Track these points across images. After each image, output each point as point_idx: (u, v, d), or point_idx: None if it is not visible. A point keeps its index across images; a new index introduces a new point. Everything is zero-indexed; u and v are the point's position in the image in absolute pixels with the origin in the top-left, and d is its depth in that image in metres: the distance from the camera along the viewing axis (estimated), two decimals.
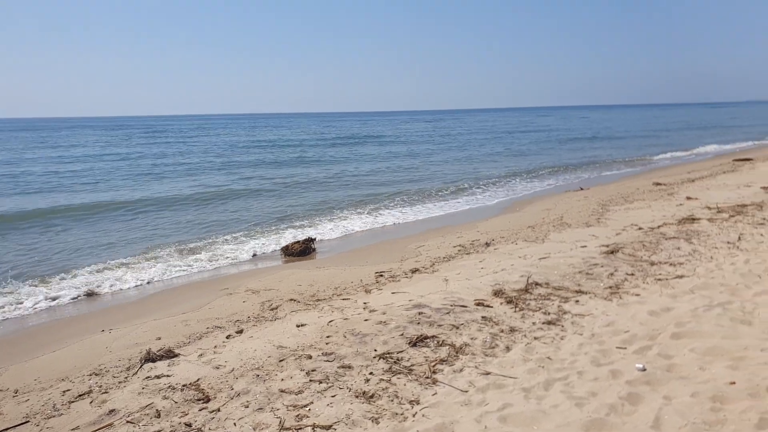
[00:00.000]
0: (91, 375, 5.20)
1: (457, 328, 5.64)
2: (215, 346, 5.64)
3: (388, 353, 5.10)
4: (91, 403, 4.56)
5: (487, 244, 9.60)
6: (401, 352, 5.13)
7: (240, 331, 6.14)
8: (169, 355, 5.36)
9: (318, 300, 7.11)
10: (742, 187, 13.96)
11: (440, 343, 5.29)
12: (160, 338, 6.14)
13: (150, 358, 5.25)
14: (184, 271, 9.40)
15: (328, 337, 5.54)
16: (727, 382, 3.98)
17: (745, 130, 48.20)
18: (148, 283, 8.84)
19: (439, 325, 5.69)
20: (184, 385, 4.69)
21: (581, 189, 16.11)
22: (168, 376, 4.91)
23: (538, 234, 10.06)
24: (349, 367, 4.86)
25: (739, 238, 8.71)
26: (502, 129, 64.47)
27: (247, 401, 4.35)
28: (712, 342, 4.79)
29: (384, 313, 6.09)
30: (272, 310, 6.90)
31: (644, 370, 4.38)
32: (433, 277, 7.71)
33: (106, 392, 4.75)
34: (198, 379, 4.80)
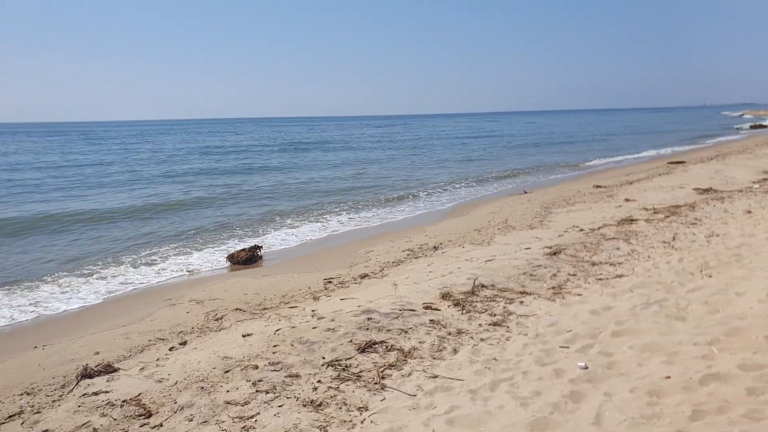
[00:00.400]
0: (22, 394, 4.94)
1: (406, 332, 5.66)
2: (158, 359, 5.46)
3: (337, 360, 5.06)
4: (22, 424, 4.33)
5: (436, 248, 9.69)
6: (350, 358, 5.10)
7: (183, 343, 5.96)
8: (108, 370, 5.15)
9: (265, 309, 6.99)
10: (676, 189, 14.60)
11: (389, 348, 5.29)
12: (98, 353, 5.90)
13: (87, 374, 5.02)
14: (124, 284, 9.03)
15: (275, 346, 5.45)
16: (663, 376, 4.13)
17: (681, 134, 50.52)
18: (84, 297, 8.42)
19: (388, 330, 5.69)
20: (124, 401, 4.52)
21: (525, 192, 16.50)
22: (107, 392, 4.72)
23: (484, 237, 10.23)
24: (297, 376, 4.79)
25: (674, 238, 9.09)
26: (451, 134, 65.36)
27: (191, 414, 4.22)
28: (650, 338, 4.97)
29: (333, 320, 6.05)
30: (217, 320, 6.74)
31: (586, 368, 4.50)
32: (382, 282, 7.72)
33: (38, 412, 4.52)
34: (139, 394, 4.62)
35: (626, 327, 5.33)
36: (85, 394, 4.70)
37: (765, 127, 57.00)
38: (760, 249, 7.83)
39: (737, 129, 56.30)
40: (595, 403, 3.92)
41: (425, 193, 18.66)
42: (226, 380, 4.77)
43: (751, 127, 57.91)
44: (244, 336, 5.84)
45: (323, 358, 5.14)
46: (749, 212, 10.72)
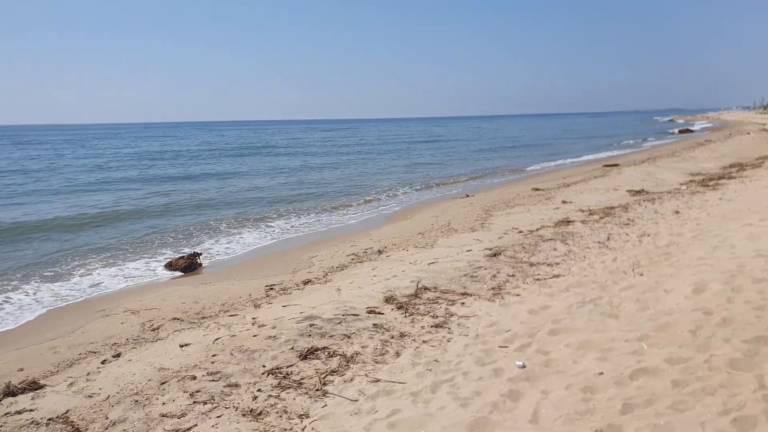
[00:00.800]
0: None
1: (349, 337, 5.63)
2: (88, 373, 5.22)
3: (278, 368, 4.98)
4: None
5: (380, 252, 9.71)
6: (291, 366, 5.03)
7: (117, 355, 5.73)
8: (33, 386, 4.88)
9: (203, 317, 6.82)
10: (610, 191, 15.16)
11: (331, 353, 5.25)
12: (22, 369, 5.59)
13: (10, 392, 4.75)
14: (54, 297, 8.53)
15: (213, 355, 5.31)
16: (597, 372, 4.26)
17: (617, 138, 52.65)
18: (11, 312, 7.90)
19: (331, 336, 5.65)
20: (50, 419, 4.29)
21: (467, 196, 16.78)
22: (31, 410, 4.47)
23: (427, 240, 10.32)
24: (236, 385, 4.68)
25: (608, 238, 9.43)
26: (398, 139, 65.79)
27: (124, 430, 4.06)
28: (584, 336, 5.12)
29: (274, 328, 5.95)
30: (153, 330, 6.52)
31: (524, 366, 4.59)
32: (326, 287, 7.66)
33: None
34: (67, 411, 4.41)
35: (563, 325, 5.47)
36: (8, 413, 4.44)
37: (692, 131, 60.11)
38: (686, 247, 8.22)
39: (672, 133, 59.28)
40: (532, 401, 4.00)
41: (371, 197, 18.70)
42: (162, 392, 4.61)
43: (680, 131, 60.97)
44: (181, 346, 5.67)
45: (264, 366, 5.04)
46: (677, 212, 11.24)
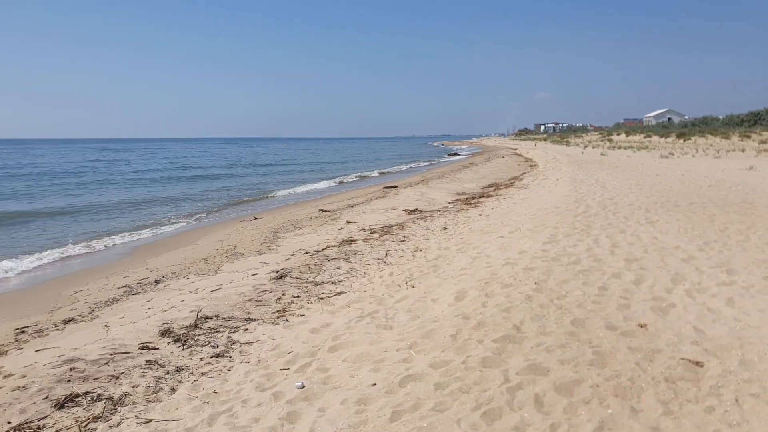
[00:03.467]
0: None
1: (117, 378, 5.13)
2: None
3: (27, 423, 4.33)
4: None
5: (157, 282, 9.07)
6: (44, 418, 4.42)
7: None
8: None
9: None
10: (389, 211, 16.22)
11: (95, 398, 4.73)
12: None
13: None
14: None
15: None
16: (370, 384, 4.48)
17: (401, 159, 56.73)
18: None
19: (96, 379, 5.09)
20: None
21: (256, 218, 16.58)
22: None
23: (211, 266, 9.94)
24: None
25: (386, 254, 10.06)
26: (172, 156, 62.55)
27: None
28: (361, 349, 5.37)
29: (24, 377, 5.17)
30: None
31: (303, 387, 4.64)
32: (92, 325, 6.89)
33: None
34: None
35: (342, 341, 5.67)
36: None
37: (459, 155, 67.52)
38: (451, 260, 9.13)
39: (449, 156, 65.88)
40: (309, 420, 4.05)
41: (148, 221, 17.39)
42: None
43: (449, 155, 68.08)
44: None
45: (9, 423, 4.35)
46: (445, 228, 12.46)
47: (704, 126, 69.47)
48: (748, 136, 48.05)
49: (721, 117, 74.02)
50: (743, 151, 36.47)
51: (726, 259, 7.60)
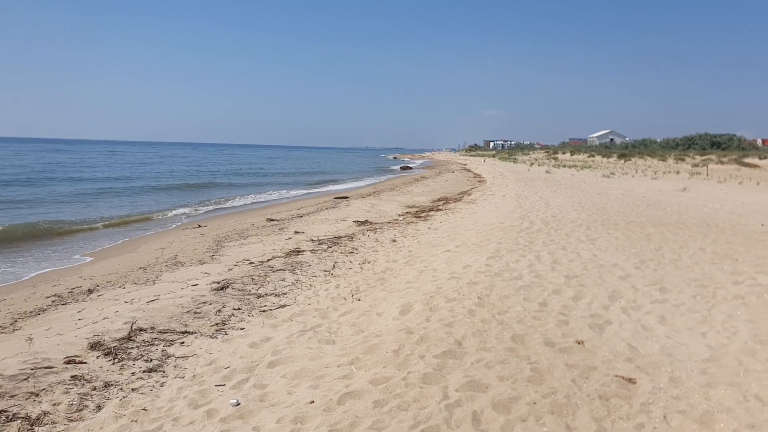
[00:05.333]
0: None
1: (37, 395, 4.83)
2: None
3: None
4: None
5: (91, 291, 8.65)
6: None
7: None
8: None
9: None
10: (339, 221, 16.11)
11: (10, 417, 4.42)
12: None
13: None
14: None
15: None
16: (308, 401, 4.36)
17: (350, 173, 56.59)
18: None
19: (12, 396, 4.77)
20: None
21: (199, 226, 16.15)
22: None
23: (149, 275, 9.57)
24: None
25: (334, 266, 9.94)
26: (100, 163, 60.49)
27: None
28: (301, 365, 5.24)
29: None
30: None
31: (238, 404, 4.48)
32: (13, 337, 6.48)
33: None
34: None
35: (282, 356, 5.52)
36: None
37: (411, 168, 68.01)
38: (399, 273, 9.10)
39: (401, 169, 66.23)
40: None
41: (84, 226, 16.63)
42: None
43: (402, 168, 68.47)
44: None
45: None
46: (394, 241, 12.45)
47: (643, 148, 72.80)
48: (683, 159, 50.60)
49: (658, 140, 77.70)
50: (678, 173, 38.28)
51: (660, 278, 7.86)
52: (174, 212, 20.52)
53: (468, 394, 4.28)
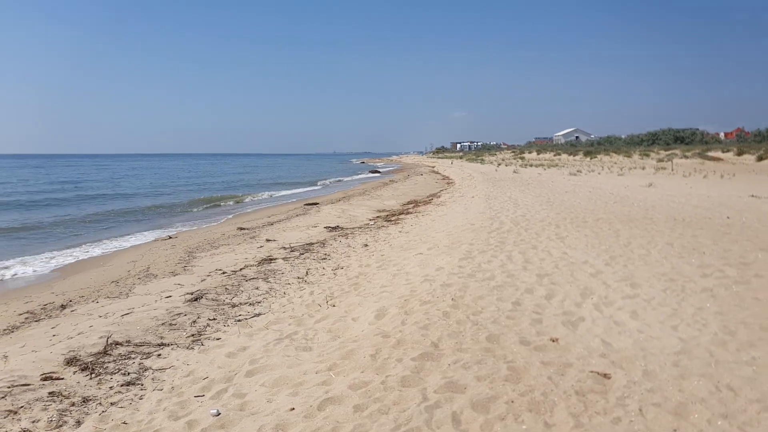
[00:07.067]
0: None
1: (15, 413, 4.77)
2: None
3: None
4: None
5: (63, 307, 8.53)
6: None
7: None
8: None
9: None
10: (310, 228, 16.11)
11: None
12: None
13: None
14: None
15: None
16: (288, 409, 4.41)
17: (320, 177, 56.46)
18: None
19: None
20: None
21: (170, 237, 15.98)
22: None
23: (122, 289, 9.46)
24: None
25: (307, 273, 9.97)
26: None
27: None
28: (279, 373, 5.28)
29: None
30: None
31: (218, 414, 4.50)
32: None
33: None
34: None
35: (260, 365, 5.55)
36: None
37: (379, 172, 68.29)
38: (372, 277, 9.18)
39: (370, 173, 66.46)
40: None
41: (53, 240, 16.31)
42: None
43: (371, 172, 68.73)
44: None
45: None
46: (366, 246, 12.53)
47: (608, 145, 74.36)
48: (648, 155, 51.90)
49: (623, 136, 79.43)
50: (643, 168, 39.26)
51: (630, 273, 8.10)
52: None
53: (447, 395, 4.38)
